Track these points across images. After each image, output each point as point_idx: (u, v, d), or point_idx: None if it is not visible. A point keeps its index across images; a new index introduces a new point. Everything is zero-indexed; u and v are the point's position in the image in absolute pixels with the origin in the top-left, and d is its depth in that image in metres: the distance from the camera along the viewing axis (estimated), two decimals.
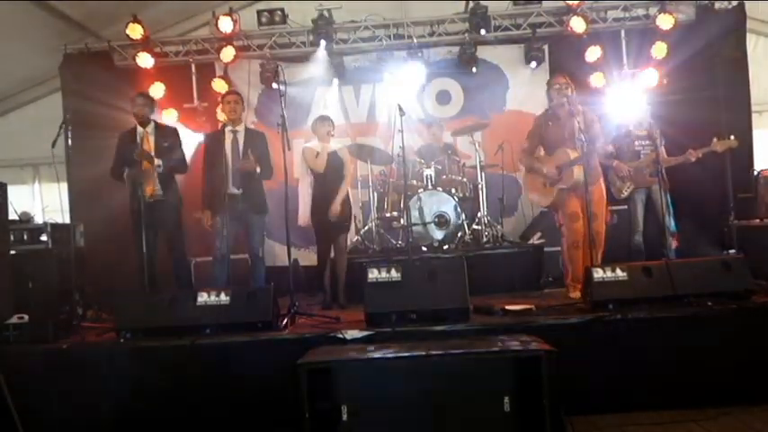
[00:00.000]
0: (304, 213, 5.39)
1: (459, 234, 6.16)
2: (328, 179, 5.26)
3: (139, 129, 5.23)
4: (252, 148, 5.13)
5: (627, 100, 6.38)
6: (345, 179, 5.38)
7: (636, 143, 5.54)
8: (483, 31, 7.00)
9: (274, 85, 6.98)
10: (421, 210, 6.18)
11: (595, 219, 4.69)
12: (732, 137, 5.35)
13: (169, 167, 5.23)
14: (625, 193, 5.54)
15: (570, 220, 4.85)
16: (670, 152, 5.59)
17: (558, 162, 4.87)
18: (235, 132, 5.20)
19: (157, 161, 5.12)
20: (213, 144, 5.20)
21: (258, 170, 5.09)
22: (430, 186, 6.26)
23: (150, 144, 5.20)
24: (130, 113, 5.36)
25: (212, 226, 5.12)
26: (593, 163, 4.75)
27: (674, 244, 5.35)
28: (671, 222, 5.35)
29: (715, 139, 5.33)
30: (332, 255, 5.35)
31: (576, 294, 4.70)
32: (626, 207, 5.68)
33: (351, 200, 5.50)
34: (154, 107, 5.54)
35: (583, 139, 4.57)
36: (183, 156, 5.45)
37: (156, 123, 5.42)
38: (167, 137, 5.34)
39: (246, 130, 5.34)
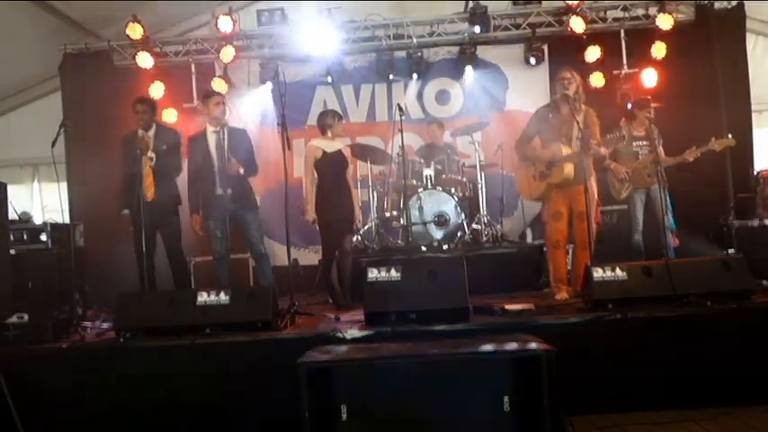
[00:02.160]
0: (311, 209, 5.30)
1: (458, 234, 6.16)
2: (334, 178, 5.24)
3: (140, 131, 5.22)
4: (236, 146, 5.07)
5: (625, 100, 6.38)
6: (350, 179, 5.39)
7: (634, 144, 5.54)
8: (482, 31, 7.00)
9: (274, 85, 6.98)
10: (421, 209, 6.18)
11: (585, 218, 4.64)
12: (730, 135, 5.35)
13: (165, 168, 5.22)
14: (624, 195, 5.54)
15: (553, 219, 4.85)
16: (669, 152, 5.59)
17: (550, 156, 4.85)
18: (218, 132, 5.10)
19: (151, 153, 5.10)
20: (197, 147, 5.16)
21: (242, 171, 5.04)
22: (430, 186, 6.26)
23: (150, 144, 5.19)
24: (130, 113, 5.35)
25: (203, 229, 5.11)
26: (584, 163, 4.74)
27: (674, 242, 5.36)
28: (671, 221, 5.35)
29: (713, 139, 5.34)
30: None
31: (562, 296, 4.69)
32: (625, 207, 5.69)
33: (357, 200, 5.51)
34: (155, 110, 5.51)
35: (580, 136, 4.57)
36: (179, 158, 5.41)
37: (157, 126, 5.40)
38: (167, 138, 5.32)
39: (229, 129, 5.25)
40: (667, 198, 5.28)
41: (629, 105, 6.08)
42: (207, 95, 5.41)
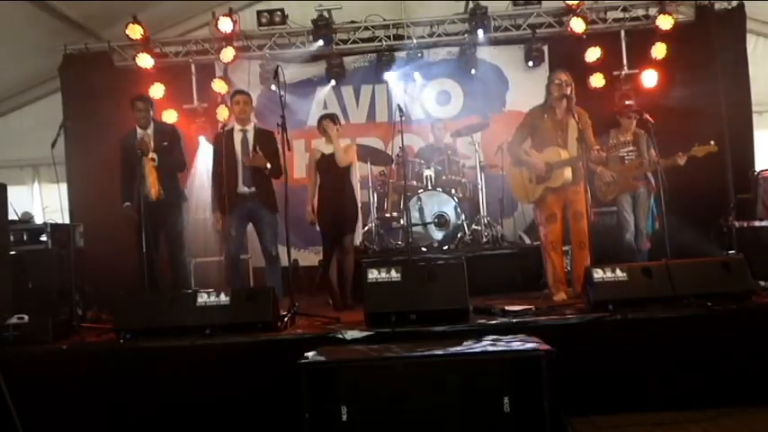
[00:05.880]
0: (311, 210, 5.37)
1: (458, 234, 6.17)
2: (332, 178, 5.24)
3: (139, 130, 5.23)
4: (262, 146, 5.10)
5: (618, 103, 6.43)
6: (353, 179, 5.38)
7: (620, 150, 5.59)
8: (483, 32, 7.01)
9: (273, 86, 6.97)
10: (421, 210, 6.19)
11: (581, 217, 4.66)
12: (712, 142, 5.28)
13: (167, 166, 5.22)
14: (609, 197, 5.72)
15: (548, 221, 4.84)
16: (669, 153, 5.56)
17: (548, 160, 4.81)
18: (245, 132, 5.16)
19: (152, 154, 5.11)
20: (223, 145, 5.16)
21: (269, 166, 5.05)
22: (430, 187, 6.27)
23: (150, 144, 5.19)
24: (130, 114, 5.36)
25: (223, 227, 5.11)
26: (578, 164, 4.75)
27: (646, 245, 5.60)
28: (648, 225, 5.61)
29: (696, 145, 5.29)
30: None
31: (561, 297, 4.69)
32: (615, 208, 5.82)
33: (358, 200, 5.49)
34: (153, 108, 5.51)
35: (579, 138, 4.59)
36: (181, 154, 5.43)
37: (155, 124, 5.41)
38: (166, 136, 5.33)
39: (256, 129, 5.27)
40: (651, 202, 5.43)
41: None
42: (233, 94, 5.46)
